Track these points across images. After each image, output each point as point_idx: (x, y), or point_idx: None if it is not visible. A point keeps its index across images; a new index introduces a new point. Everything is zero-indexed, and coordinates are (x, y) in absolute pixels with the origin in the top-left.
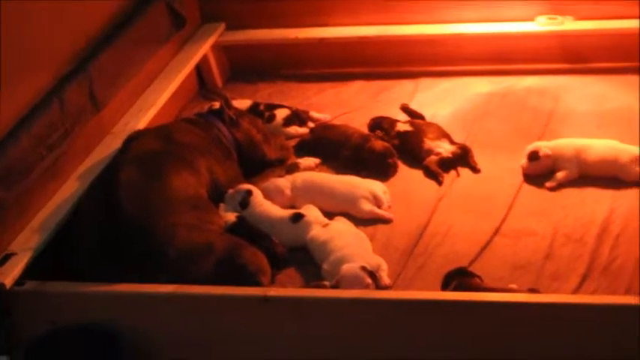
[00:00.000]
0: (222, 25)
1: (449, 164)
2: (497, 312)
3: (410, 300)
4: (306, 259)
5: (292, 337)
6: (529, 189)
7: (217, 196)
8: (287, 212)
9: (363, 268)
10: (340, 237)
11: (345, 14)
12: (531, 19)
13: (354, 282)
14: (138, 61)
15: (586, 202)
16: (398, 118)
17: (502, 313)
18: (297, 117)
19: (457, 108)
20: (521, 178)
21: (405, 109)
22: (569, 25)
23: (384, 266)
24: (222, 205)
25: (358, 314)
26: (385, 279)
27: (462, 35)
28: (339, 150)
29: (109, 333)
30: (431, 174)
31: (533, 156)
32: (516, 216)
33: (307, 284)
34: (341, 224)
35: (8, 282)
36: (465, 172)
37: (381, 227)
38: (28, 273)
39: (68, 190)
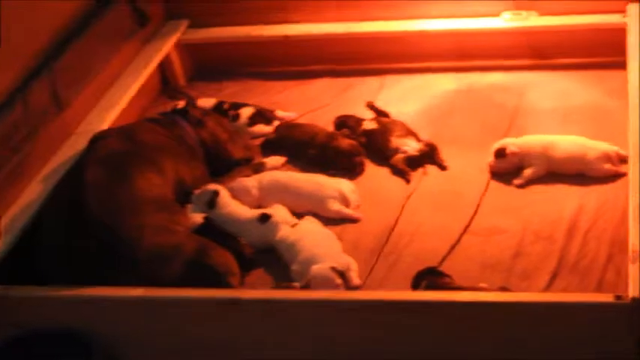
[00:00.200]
0: (186, 23)
1: (416, 162)
2: (469, 312)
3: (382, 300)
4: (274, 259)
5: (264, 339)
6: (497, 186)
7: (184, 196)
8: (254, 212)
9: (333, 269)
10: (309, 237)
11: (310, 11)
12: (496, 14)
13: (324, 282)
14: (101, 59)
15: (554, 199)
16: (364, 116)
17: (474, 312)
18: (262, 116)
19: (423, 105)
20: (488, 175)
21: (371, 106)
22: (534, 20)
23: (354, 266)
24: (189, 206)
25: (330, 315)
26: (355, 279)
27: (427, 32)
28: (304, 149)
29: (76, 337)
30: (398, 172)
31: (501, 153)
32: (485, 214)
33: (277, 285)
34: (309, 224)
35: None
36: (432, 169)
37: (349, 227)
38: None
39: (33, 192)
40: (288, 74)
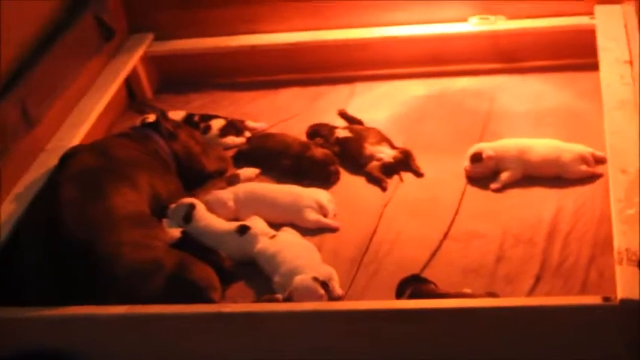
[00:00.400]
0: (151, 36)
1: (391, 169)
2: (457, 318)
3: (370, 310)
4: (254, 272)
5: (249, 352)
6: (474, 191)
7: (159, 211)
8: (232, 225)
9: (315, 279)
10: (289, 248)
11: (277, 20)
12: (464, 19)
13: (307, 294)
14: (69, 75)
15: (532, 202)
16: (335, 124)
17: (462, 319)
18: (233, 127)
19: (393, 112)
20: (464, 180)
21: (343, 114)
22: (502, 24)
23: (335, 276)
24: (164, 221)
25: (317, 327)
26: (337, 289)
27: (396, 38)
28: (278, 159)
29: (59, 358)
30: (374, 180)
31: (476, 158)
32: (464, 219)
33: (259, 298)
34: (288, 235)
35: None
36: (407, 176)
37: (327, 236)
38: None
39: (6, 211)
40: (256, 84)
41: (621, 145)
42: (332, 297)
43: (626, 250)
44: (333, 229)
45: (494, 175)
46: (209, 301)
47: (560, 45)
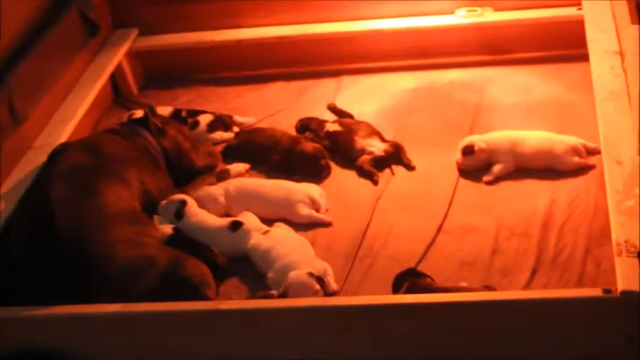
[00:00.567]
0: (135, 31)
1: (382, 163)
2: (457, 312)
3: (367, 305)
4: (247, 268)
5: (246, 350)
6: (466, 184)
7: (150, 207)
8: (224, 221)
9: (311, 274)
10: (282, 243)
11: (262, 14)
12: (451, 12)
13: (302, 289)
14: (55, 71)
15: (525, 194)
16: (324, 117)
17: (462, 313)
18: (222, 122)
19: (382, 105)
20: (456, 173)
21: (333, 108)
22: (489, 16)
23: (330, 271)
24: (156, 217)
25: (314, 323)
26: (333, 284)
27: (382, 31)
28: (268, 154)
29: (54, 357)
30: (365, 174)
31: (468, 150)
32: (457, 212)
33: (253, 295)
34: (281, 230)
35: None
36: (399, 170)
37: (321, 231)
38: None
39: None
40: (242, 79)
41: (614, 136)
42: (327, 292)
43: (625, 241)
44: (326, 224)
45: (486, 167)
46: (203, 297)
47: (548, 36)
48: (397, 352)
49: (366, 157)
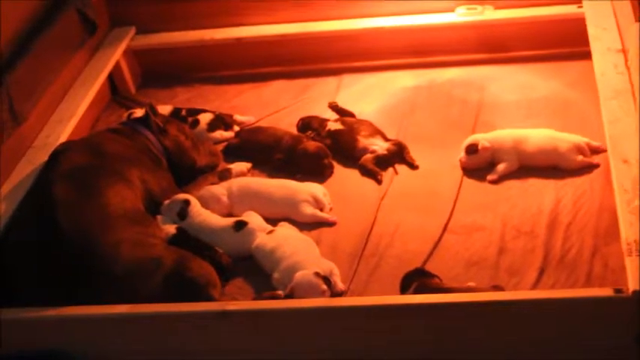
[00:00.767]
0: (133, 29)
1: (385, 162)
2: (467, 313)
3: (377, 306)
4: (252, 267)
5: (253, 351)
6: (470, 183)
7: (153, 207)
8: (228, 221)
9: (317, 274)
10: (288, 243)
11: (262, 12)
12: (451, 10)
13: (309, 289)
14: (54, 70)
15: (530, 193)
16: (325, 116)
17: (472, 313)
18: (222, 121)
19: (383, 104)
20: (460, 172)
21: (334, 107)
22: (489, 14)
23: (337, 271)
24: (159, 217)
25: (323, 324)
26: (339, 284)
27: (382, 29)
28: (270, 153)
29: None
30: (368, 173)
31: (472, 149)
32: (462, 211)
33: (259, 295)
34: (286, 230)
35: None
36: (402, 168)
37: (325, 231)
38: None
39: None
40: (242, 77)
41: (620, 135)
42: (334, 292)
43: (635, 241)
44: (330, 224)
45: (490, 166)
46: (209, 298)
47: (549, 34)
48: (406, 352)
49: (368, 156)
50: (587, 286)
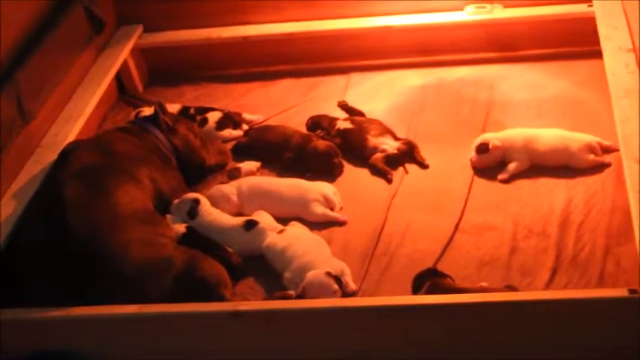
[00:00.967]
0: (140, 28)
1: (395, 161)
2: (481, 313)
3: (390, 306)
4: (263, 267)
5: (266, 351)
6: (481, 182)
7: (162, 206)
8: (239, 220)
9: (329, 274)
10: (299, 243)
11: (269, 11)
12: (460, 8)
13: (320, 289)
14: (62, 68)
15: (541, 192)
16: (334, 115)
17: (486, 313)
18: (230, 119)
19: (392, 102)
20: (471, 171)
21: (344, 106)
22: (499, 13)
23: (348, 271)
24: (168, 217)
25: (335, 324)
26: (351, 284)
27: (391, 28)
28: (279, 152)
29: None
30: (378, 172)
31: (483, 148)
32: (473, 211)
33: (271, 295)
34: (297, 229)
35: None
36: (412, 168)
37: (336, 230)
38: None
39: (6, 210)
40: (250, 76)
41: (632, 135)
42: (346, 292)
43: None
44: (341, 223)
45: (500, 165)
46: (220, 298)
47: (558, 33)
48: (419, 353)
49: (379, 155)
50: (600, 286)
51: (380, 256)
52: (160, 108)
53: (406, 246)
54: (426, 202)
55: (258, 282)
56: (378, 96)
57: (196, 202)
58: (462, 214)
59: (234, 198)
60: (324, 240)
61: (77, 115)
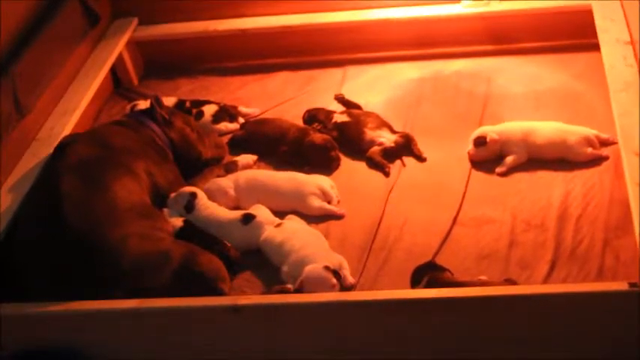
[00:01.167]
0: (135, 20)
1: (393, 154)
2: (482, 307)
3: (389, 300)
4: (260, 261)
5: (265, 346)
6: (479, 175)
7: (159, 200)
8: (236, 214)
9: (327, 268)
10: (296, 237)
11: (266, 3)
12: (457, 1)
13: (319, 283)
14: (58, 61)
15: (539, 185)
16: (331, 108)
17: (488, 307)
18: (227, 112)
19: (389, 95)
20: (468, 164)
21: (341, 99)
22: (495, 5)
23: (346, 264)
24: (165, 210)
25: (334, 318)
26: (349, 278)
27: (387, 20)
28: (276, 145)
29: (69, 356)
30: (375, 165)
31: (480, 141)
32: (471, 204)
33: (269, 289)
34: (295, 223)
35: None
36: (409, 161)
37: (333, 224)
38: None
39: (2, 204)
40: (246, 69)
41: (631, 127)
42: (344, 286)
43: None
44: (338, 216)
45: (498, 158)
46: (218, 292)
47: (555, 26)
48: (418, 346)
49: (376, 149)
50: (599, 280)
51: (378, 250)
52: (157, 101)
53: (404, 239)
54: (423, 195)
55: (256, 276)
56: (375, 89)
57: (193, 195)
58: (460, 207)
59: (231, 192)
60: (321, 234)
61: (73, 108)
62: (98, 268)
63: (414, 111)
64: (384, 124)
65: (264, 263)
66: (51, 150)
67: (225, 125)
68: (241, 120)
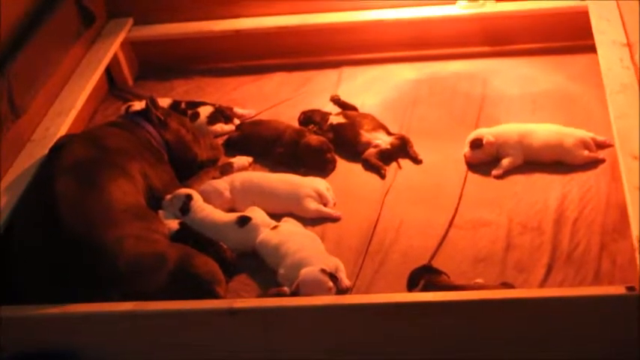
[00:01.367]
0: (130, 21)
1: (389, 156)
2: (479, 311)
3: (386, 303)
4: (256, 263)
5: (261, 349)
6: (475, 178)
7: (154, 202)
8: (232, 216)
9: (323, 271)
10: (292, 239)
11: (261, 4)
12: (452, 2)
13: (315, 286)
14: (53, 61)
15: (536, 188)
16: (327, 109)
17: (484, 311)
18: (222, 114)
19: (385, 97)
20: (464, 166)
21: (336, 100)
22: (491, 7)
23: (342, 267)
24: (160, 212)
25: (331, 321)
26: (345, 280)
27: (383, 21)
28: (271, 147)
29: (68, 358)
30: (371, 167)
31: (477, 144)
32: (467, 206)
33: (265, 292)
34: (291, 225)
35: None
36: (406, 163)
37: (329, 226)
38: None
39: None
40: (241, 70)
41: (628, 130)
42: (340, 289)
43: None
44: (334, 219)
45: (494, 161)
46: (213, 294)
47: (551, 27)
48: (415, 350)
49: (372, 151)
50: (596, 283)
51: (374, 253)
52: (152, 102)
53: (400, 242)
54: (419, 197)
55: (252, 278)
56: (371, 90)
57: (189, 197)
58: (457, 209)
59: (227, 193)
60: (317, 236)
61: (68, 109)
62: (94, 269)
63: (410, 112)
64: (380, 126)
65: (260, 266)
66: (46, 151)
67: (220, 126)
68: (237, 121)
